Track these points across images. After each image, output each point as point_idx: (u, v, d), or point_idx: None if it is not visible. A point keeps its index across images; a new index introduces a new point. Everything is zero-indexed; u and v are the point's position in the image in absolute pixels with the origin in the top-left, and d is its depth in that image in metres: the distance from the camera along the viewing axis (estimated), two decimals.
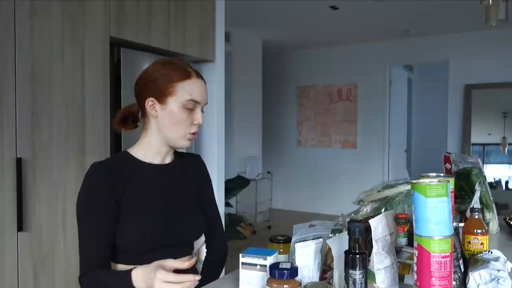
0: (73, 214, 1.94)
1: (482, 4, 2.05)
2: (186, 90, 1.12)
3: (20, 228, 1.73)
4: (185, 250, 1.24)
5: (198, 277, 0.96)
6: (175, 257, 1.15)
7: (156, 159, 1.19)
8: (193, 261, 1.02)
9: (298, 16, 4.73)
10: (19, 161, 1.72)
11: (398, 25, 5.10)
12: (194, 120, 1.14)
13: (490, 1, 2.01)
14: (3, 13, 1.68)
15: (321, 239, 1.07)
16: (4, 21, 1.68)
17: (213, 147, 2.90)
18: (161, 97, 1.12)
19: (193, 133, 1.16)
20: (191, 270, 1.22)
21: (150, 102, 1.13)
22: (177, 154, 1.28)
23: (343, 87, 6.22)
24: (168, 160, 1.22)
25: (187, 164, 1.29)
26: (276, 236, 1.15)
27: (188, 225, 1.22)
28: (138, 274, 1.01)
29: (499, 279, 0.94)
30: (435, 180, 0.85)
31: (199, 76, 1.17)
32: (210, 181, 1.37)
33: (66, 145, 1.92)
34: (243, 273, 0.99)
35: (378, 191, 1.52)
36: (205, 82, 1.19)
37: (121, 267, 1.12)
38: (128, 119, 1.22)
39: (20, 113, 1.74)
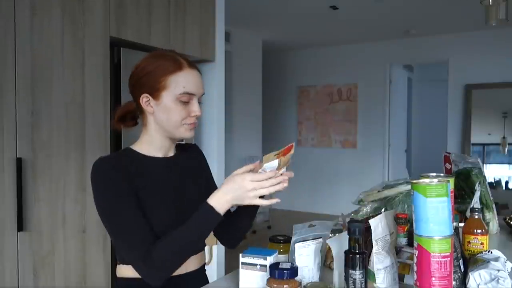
0: (73, 214, 1.95)
1: (482, 4, 2.05)
2: (179, 82, 1.07)
3: (20, 228, 1.74)
4: None
5: (290, 174, 1.09)
6: None
7: (159, 153, 1.16)
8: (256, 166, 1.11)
9: (298, 16, 4.73)
10: (19, 161, 1.72)
11: (398, 25, 5.10)
12: (191, 112, 1.10)
13: (490, 1, 2.01)
14: (3, 12, 1.68)
15: (321, 239, 1.07)
16: (4, 20, 1.68)
17: (213, 147, 2.90)
18: (154, 92, 1.08)
19: (192, 124, 1.12)
20: (199, 274, 1.19)
21: (144, 99, 1.10)
22: (178, 146, 1.25)
23: (343, 87, 6.22)
24: (171, 153, 1.20)
25: (188, 155, 1.27)
26: (276, 236, 1.15)
27: None
28: (216, 196, 1.02)
29: (499, 279, 0.94)
30: (435, 180, 0.85)
31: (192, 65, 1.12)
32: (209, 167, 1.35)
33: (66, 145, 1.92)
34: (243, 273, 0.99)
35: (378, 191, 1.51)
36: (199, 72, 1.13)
37: (130, 267, 1.06)
38: (126, 117, 1.18)
39: (20, 113, 1.74)
